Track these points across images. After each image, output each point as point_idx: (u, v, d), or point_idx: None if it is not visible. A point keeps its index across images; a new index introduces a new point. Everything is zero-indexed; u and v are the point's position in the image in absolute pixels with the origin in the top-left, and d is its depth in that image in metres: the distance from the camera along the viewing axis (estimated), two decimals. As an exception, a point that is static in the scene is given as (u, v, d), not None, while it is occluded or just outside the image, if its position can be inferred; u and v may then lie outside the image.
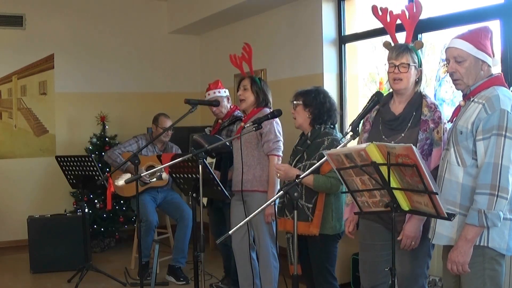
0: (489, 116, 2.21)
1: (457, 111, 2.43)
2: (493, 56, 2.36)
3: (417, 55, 2.68)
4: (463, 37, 2.35)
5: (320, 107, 3.20)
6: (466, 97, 2.37)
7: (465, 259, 2.24)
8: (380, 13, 2.84)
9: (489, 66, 2.33)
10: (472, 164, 2.27)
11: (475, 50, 2.30)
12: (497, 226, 2.19)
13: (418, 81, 2.71)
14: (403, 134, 2.63)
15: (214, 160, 3.98)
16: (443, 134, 2.59)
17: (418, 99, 2.69)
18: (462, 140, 2.29)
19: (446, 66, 2.43)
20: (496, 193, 2.15)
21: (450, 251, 2.31)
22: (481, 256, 2.25)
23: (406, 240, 2.60)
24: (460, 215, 2.29)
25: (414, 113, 2.66)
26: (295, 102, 3.27)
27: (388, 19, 2.82)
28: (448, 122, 2.55)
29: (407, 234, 2.60)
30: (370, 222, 2.79)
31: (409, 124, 2.65)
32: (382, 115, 2.75)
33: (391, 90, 2.81)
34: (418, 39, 4.01)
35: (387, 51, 2.75)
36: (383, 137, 2.66)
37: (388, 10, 2.81)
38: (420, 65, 2.69)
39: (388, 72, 2.70)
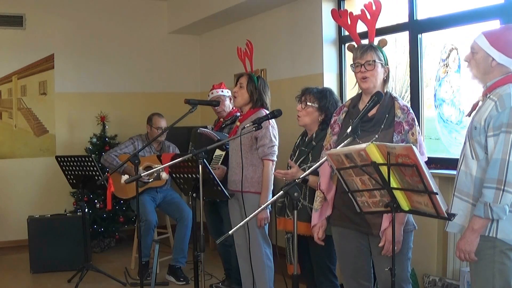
0: (499, 114, 2.27)
1: (475, 106, 2.48)
2: None
3: (382, 53, 2.67)
4: (486, 32, 2.41)
5: (332, 112, 3.14)
6: (483, 93, 2.43)
7: (471, 248, 2.33)
8: (340, 16, 2.81)
9: (498, 63, 2.35)
10: (484, 158, 2.34)
11: (487, 46, 2.35)
12: (502, 219, 2.26)
13: (386, 80, 2.70)
14: (376, 136, 2.61)
15: (223, 153, 3.98)
16: (418, 135, 2.60)
17: (389, 101, 2.67)
18: (476, 135, 2.36)
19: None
20: (502, 187, 2.22)
21: (458, 240, 2.41)
22: (491, 248, 2.32)
23: (389, 245, 2.52)
24: (473, 206, 2.36)
25: (387, 115, 2.64)
26: (309, 103, 3.16)
27: (349, 22, 2.78)
28: (466, 116, 2.60)
29: (389, 239, 2.52)
30: (343, 229, 2.76)
31: (382, 126, 2.63)
32: (352, 117, 2.70)
33: (359, 91, 2.78)
34: (418, 39, 4.03)
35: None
36: (356, 139, 2.58)
37: (348, 12, 2.78)
38: (386, 63, 2.68)
39: (355, 72, 2.68)
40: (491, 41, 2.36)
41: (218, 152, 4.01)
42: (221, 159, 4.01)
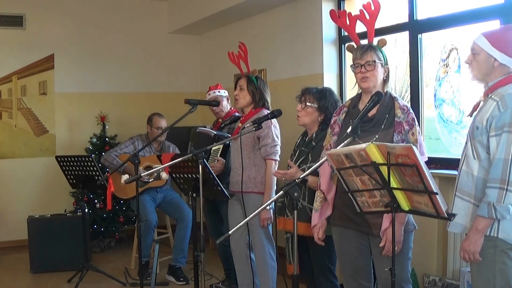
0: (501, 114, 2.28)
1: (477, 106, 2.49)
2: None
3: (382, 53, 2.68)
4: (486, 33, 2.41)
5: (331, 112, 3.15)
6: (485, 93, 2.44)
7: (475, 248, 2.34)
8: (339, 17, 2.82)
9: (500, 63, 2.36)
10: (486, 158, 2.35)
11: (489, 47, 2.36)
12: (506, 218, 2.27)
13: (386, 80, 2.70)
14: (377, 136, 2.61)
15: (221, 146, 3.99)
16: (418, 135, 2.61)
17: (389, 101, 2.68)
18: (478, 135, 2.36)
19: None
20: (506, 187, 2.24)
21: (463, 240, 2.42)
22: (492, 248, 2.33)
23: (390, 245, 2.50)
24: (474, 206, 2.37)
25: (387, 115, 2.64)
26: (308, 103, 3.17)
27: (348, 22, 2.78)
28: (467, 116, 2.61)
29: (390, 239, 2.50)
30: (343, 229, 2.76)
31: (382, 126, 2.63)
32: (352, 117, 2.69)
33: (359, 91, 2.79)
34: (418, 39, 4.03)
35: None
36: (356, 139, 2.59)
37: (347, 13, 2.78)
38: (386, 63, 2.69)
39: (355, 73, 2.69)
40: (492, 41, 2.36)
41: (216, 146, 4.02)
42: (219, 152, 4.01)
